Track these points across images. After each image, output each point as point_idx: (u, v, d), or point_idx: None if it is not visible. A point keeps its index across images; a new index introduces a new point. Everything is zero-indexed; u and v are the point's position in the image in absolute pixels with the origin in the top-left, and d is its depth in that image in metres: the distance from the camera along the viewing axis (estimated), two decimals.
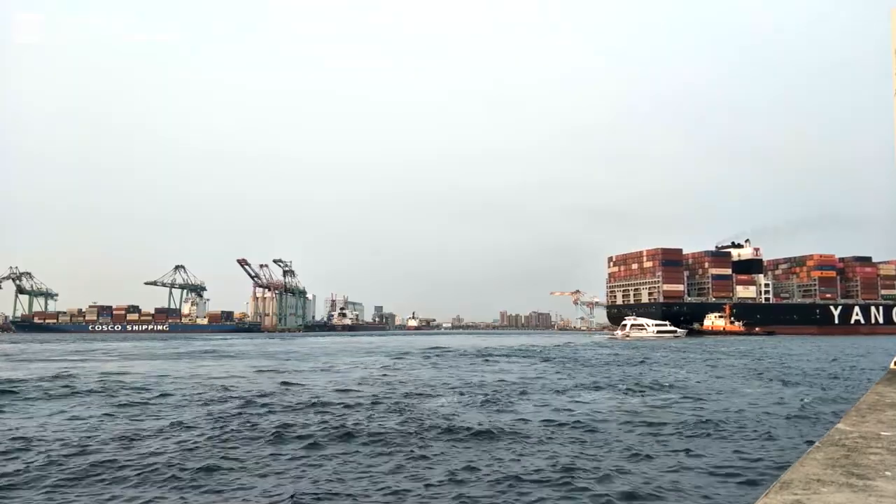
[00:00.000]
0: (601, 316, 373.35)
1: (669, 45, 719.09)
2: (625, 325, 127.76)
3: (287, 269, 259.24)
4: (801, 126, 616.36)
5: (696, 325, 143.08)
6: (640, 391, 24.45)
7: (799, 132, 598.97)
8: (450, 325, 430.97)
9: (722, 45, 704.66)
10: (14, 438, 14.23)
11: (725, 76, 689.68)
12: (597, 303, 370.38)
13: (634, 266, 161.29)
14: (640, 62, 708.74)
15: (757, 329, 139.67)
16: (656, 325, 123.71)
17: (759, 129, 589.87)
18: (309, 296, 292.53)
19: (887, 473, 3.36)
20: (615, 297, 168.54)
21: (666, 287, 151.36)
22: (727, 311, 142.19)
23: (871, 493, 3.04)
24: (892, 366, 8.89)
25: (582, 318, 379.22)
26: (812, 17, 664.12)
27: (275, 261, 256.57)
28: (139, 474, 11.04)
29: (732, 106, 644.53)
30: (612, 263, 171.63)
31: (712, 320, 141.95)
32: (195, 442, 13.75)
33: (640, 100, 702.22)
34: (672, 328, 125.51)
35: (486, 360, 45.21)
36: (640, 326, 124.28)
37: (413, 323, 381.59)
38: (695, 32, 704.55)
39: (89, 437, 14.34)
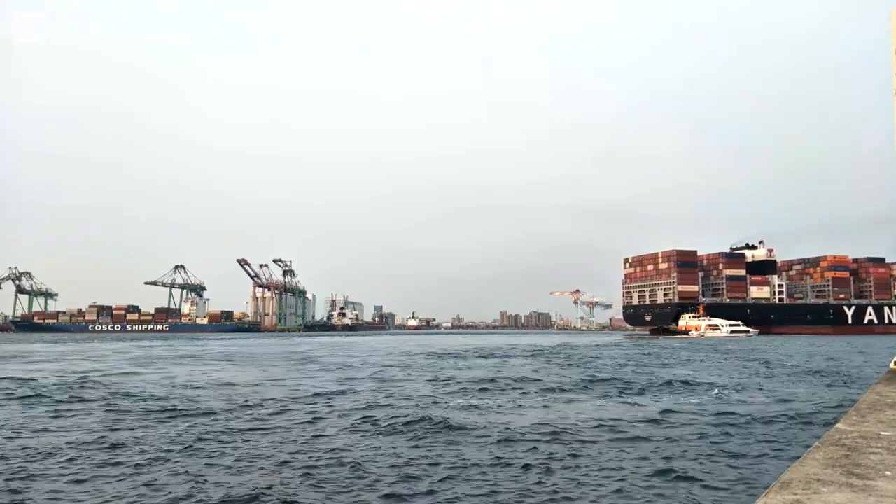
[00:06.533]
0: (601, 315, 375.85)
1: (670, 45, 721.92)
2: (699, 327, 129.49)
3: (287, 268, 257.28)
4: (803, 126, 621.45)
5: (671, 326, 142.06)
6: None
7: (802, 132, 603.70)
8: (450, 324, 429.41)
9: (722, 44, 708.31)
10: None
11: (726, 76, 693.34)
12: (597, 302, 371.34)
13: (650, 267, 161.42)
14: (640, 62, 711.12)
15: None
16: (730, 325, 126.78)
17: (761, 129, 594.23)
18: (309, 296, 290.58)
19: (887, 473, 3.32)
20: (631, 297, 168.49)
21: (681, 288, 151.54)
22: (700, 311, 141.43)
23: (871, 493, 3.01)
24: (891, 366, 8.84)
25: (582, 318, 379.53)
26: (816, 16, 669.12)
27: (275, 261, 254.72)
28: None
29: (734, 106, 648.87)
30: (627, 265, 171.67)
31: (686, 320, 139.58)
32: None
33: (640, 99, 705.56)
34: (745, 328, 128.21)
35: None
36: (715, 327, 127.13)
37: (413, 323, 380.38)
38: (696, 32, 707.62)
39: None
